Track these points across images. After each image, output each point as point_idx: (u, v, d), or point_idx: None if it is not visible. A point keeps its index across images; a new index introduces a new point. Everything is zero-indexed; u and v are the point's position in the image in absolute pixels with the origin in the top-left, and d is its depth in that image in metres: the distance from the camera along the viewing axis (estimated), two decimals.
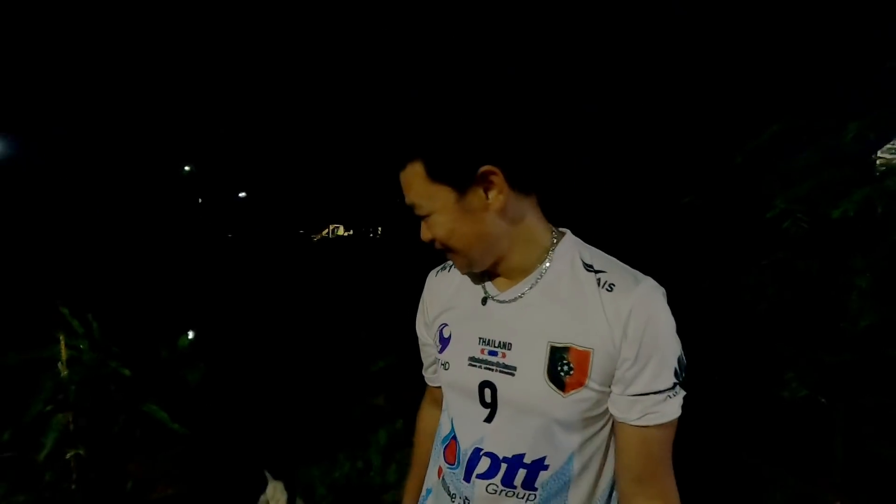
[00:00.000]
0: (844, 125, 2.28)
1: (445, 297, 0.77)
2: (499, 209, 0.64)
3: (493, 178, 0.63)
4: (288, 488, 1.68)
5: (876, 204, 2.13)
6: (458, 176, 0.63)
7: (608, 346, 0.61)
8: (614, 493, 0.68)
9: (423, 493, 0.83)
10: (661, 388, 0.60)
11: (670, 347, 0.61)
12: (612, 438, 0.66)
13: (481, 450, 0.67)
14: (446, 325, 0.75)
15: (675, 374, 0.61)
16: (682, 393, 0.62)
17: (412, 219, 0.71)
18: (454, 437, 0.71)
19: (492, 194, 0.64)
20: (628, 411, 0.61)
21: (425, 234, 0.69)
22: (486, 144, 0.63)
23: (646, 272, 0.70)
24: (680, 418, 0.62)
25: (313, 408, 2.79)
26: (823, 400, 2.33)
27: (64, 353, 1.67)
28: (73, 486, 1.67)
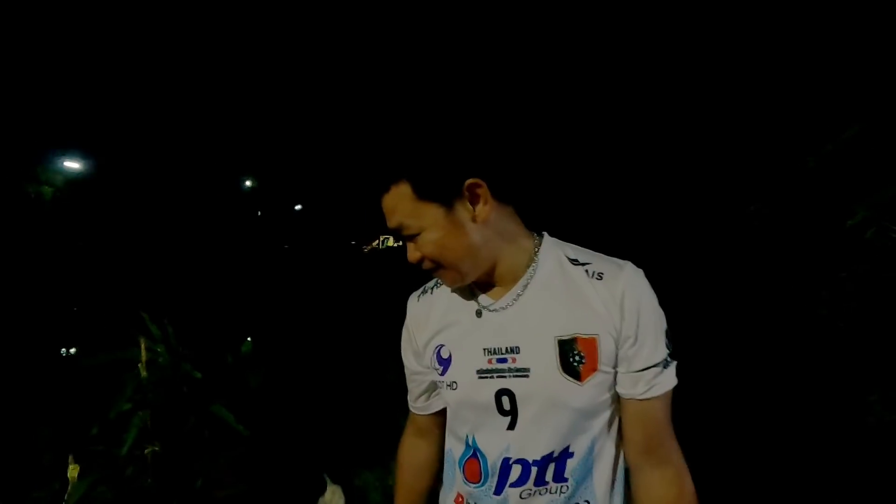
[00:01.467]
0: None
1: (435, 320, 0.76)
2: (485, 219, 0.67)
3: (479, 190, 0.65)
4: (346, 493, 1.72)
5: None
6: (446, 191, 0.64)
7: (610, 328, 0.65)
8: (627, 468, 0.72)
9: None
10: (658, 361, 0.65)
11: (659, 321, 0.67)
12: (618, 416, 0.70)
13: (510, 458, 0.67)
14: (443, 345, 0.74)
15: (666, 345, 0.66)
16: (674, 362, 0.67)
17: None
18: (476, 455, 0.70)
19: (478, 206, 0.66)
20: (634, 387, 0.66)
21: (413, 255, 0.69)
22: (470, 158, 0.65)
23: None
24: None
25: (368, 414, 2.84)
26: None
27: (144, 356, 1.80)
28: (150, 481, 1.78)
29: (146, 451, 1.78)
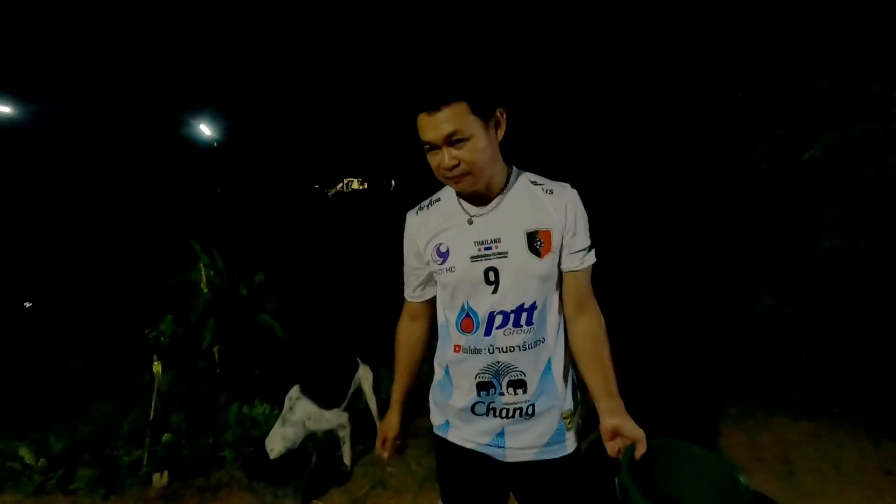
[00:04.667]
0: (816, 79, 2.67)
1: (432, 226, 1.01)
2: (499, 140, 0.94)
3: (503, 117, 0.94)
4: (373, 370, 2.26)
5: (845, 147, 2.53)
6: (488, 111, 0.90)
7: (559, 225, 0.96)
8: (563, 319, 1.03)
9: (440, 377, 1.07)
10: (586, 246, 0.98)
11: (586, 221, 0.99)
12: (560, 288, 1.01)
13: (494, 311, 0.95)
14: (441, 243, 0.99)
15: (590, 237, 0.99)
16: (594, 249, 1.00)
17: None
18: (469, 315, 0.97)
19: (500, 129, 0.94)
20: (571, 263, 0.98)
21: (450, 161, 0.89)
22: (503, 95, 0.93)
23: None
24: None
25: (367, 325, 3.36)
26: (789, 311, 2.82)
27: (204, 277, 2.24)
28: (218, 372, 2.28)
29: (214, 349, 2.26)
